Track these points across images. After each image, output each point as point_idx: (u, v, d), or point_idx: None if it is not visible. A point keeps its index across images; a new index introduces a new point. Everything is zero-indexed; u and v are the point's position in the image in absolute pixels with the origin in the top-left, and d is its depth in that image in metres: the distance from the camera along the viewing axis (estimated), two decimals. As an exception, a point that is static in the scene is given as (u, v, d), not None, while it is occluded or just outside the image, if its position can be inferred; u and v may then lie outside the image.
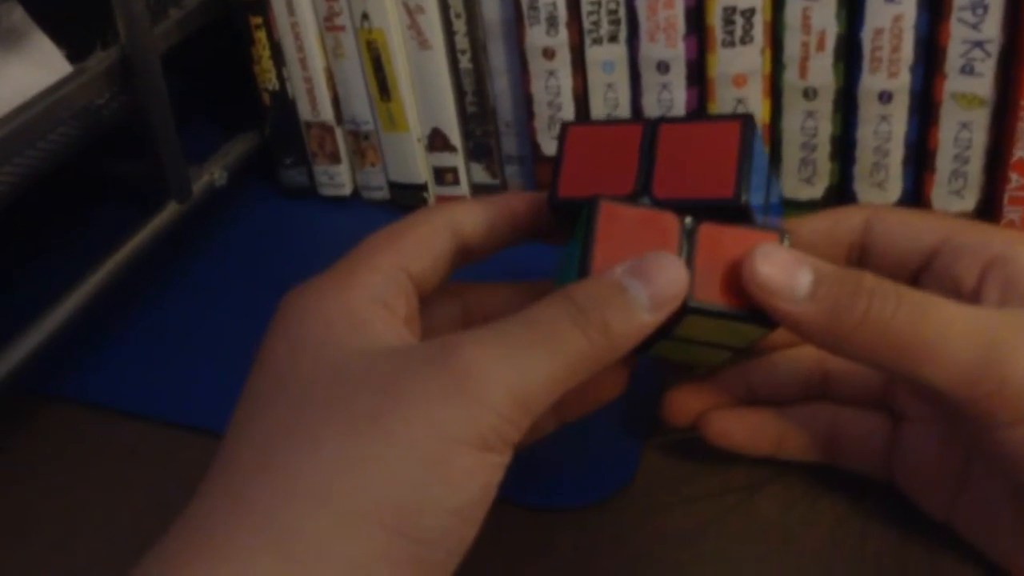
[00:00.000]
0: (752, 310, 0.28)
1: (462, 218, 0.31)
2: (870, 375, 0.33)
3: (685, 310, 0.27)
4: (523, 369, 0.25)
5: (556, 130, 0.45)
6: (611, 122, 0.30)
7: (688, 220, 0.28)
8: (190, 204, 0.46)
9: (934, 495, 0.31)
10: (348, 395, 0.26)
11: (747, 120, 0.29)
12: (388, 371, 0.26)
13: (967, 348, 0.26)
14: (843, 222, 0.32)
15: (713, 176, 0.28)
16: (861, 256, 0.32)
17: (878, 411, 0.33)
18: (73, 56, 0.41)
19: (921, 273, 0.31)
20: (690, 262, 0.28)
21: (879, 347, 0.27)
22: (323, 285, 0.29)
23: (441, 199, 0.50)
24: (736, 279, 0.27)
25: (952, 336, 0.26)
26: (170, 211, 0.46)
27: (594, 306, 0.26)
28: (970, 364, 0.26)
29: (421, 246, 0.30)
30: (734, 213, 0.28)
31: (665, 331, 0.28)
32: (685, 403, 0.34)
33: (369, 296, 0.28)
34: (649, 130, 0.29)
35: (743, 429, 0.34)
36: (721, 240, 0.28)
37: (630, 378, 0.32)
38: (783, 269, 0.27)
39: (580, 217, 0.29)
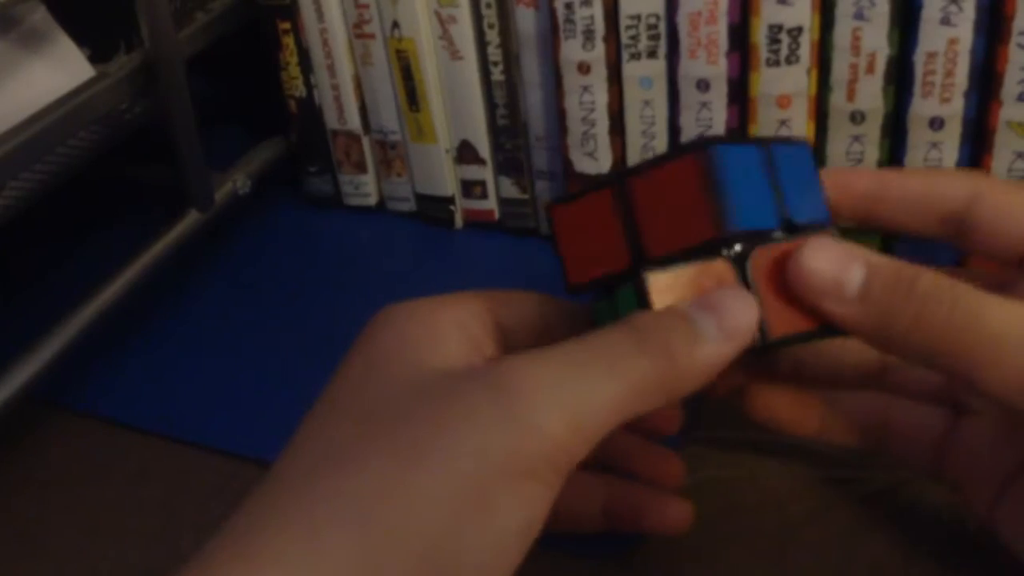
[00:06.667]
0: (823, 327, 0.27)
1: (547, 300, 0.30)
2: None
3: (765, 347, 0.26)
4: (580, 390, 0.24)
5: (590, 146, 0.44)
6: (585, 191, 0.28)
7: (733, 252, 0.27)
8: (212, 212, 0.45)
9: (981, 491, 0.30)
10: (399, 415, 0.25)
11: (703, 149, 0.26)
12: (438, 391, 0.25)
13: (1021, 355, 0.25)
14: (942, 189, 0.30)
15: (694, 218, 0.27)
16: (960, 232, 0.30)
17: (936, 405, 0.31)
18: (95, 56, 0.40)
19: None
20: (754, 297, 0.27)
21: (931, 351, 0.26)
22: (413, 304, 0.28)
23: (468, 212, 0.49)
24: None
25: (1008, 343, 0.25)
26: (192, 219, 0.45)
27: (657, 331, 0.25)
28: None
29: (511, 304, 0.29)
30: (734, 242, 0.27)
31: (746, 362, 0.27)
32: (726, 375, 0.33)
33: (454, 320, 0.27)
34: (619, 189, 0.28)
35: (788, 405, 0.32)
36: (775, 263, 0.27)
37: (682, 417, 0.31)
38: (833, 264, 0.26)
39: (617, 288, 0.28)
